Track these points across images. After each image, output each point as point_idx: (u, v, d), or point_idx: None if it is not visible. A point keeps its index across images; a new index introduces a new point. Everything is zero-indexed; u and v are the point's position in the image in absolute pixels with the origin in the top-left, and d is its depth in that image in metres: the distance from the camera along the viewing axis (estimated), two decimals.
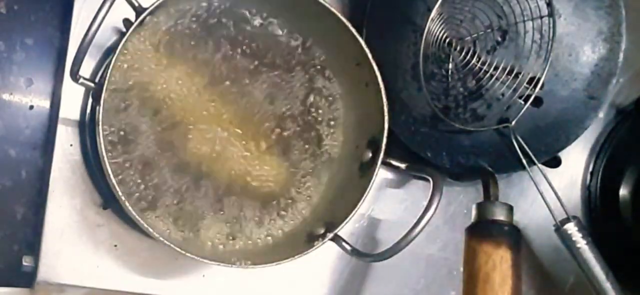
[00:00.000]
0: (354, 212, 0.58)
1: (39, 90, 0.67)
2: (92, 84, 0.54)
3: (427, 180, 0.59)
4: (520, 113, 0.64)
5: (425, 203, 0.57)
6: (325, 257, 0.68)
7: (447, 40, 0.64)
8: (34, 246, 0.64)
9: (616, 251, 0.66)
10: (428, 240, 0.71)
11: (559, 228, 0.64)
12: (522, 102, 0.65)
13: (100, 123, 0.54)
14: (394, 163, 0.64)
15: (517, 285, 0.63)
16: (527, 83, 0.64)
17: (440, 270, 0.72)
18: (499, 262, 0.62)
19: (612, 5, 0.66)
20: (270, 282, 0.67)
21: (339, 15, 0.59)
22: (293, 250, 0.58)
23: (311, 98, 0.64)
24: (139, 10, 0.54)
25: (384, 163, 0.61)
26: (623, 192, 0.72)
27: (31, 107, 0.67)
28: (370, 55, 0.59)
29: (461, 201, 0.72)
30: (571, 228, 0.63)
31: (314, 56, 0.63)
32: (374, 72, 0.59)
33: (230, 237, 0.61)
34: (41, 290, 0.62)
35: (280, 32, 0.63)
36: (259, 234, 0.61)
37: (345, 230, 0.59)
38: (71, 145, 0.62)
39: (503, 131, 0.66)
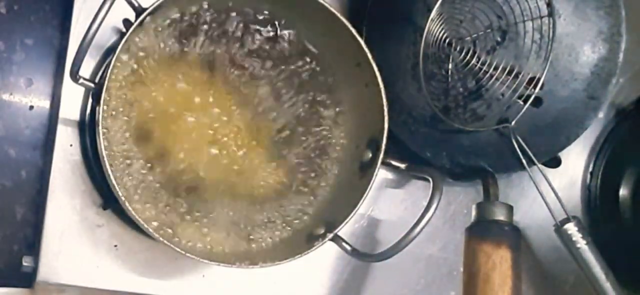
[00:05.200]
0: (354, 212, 0.58)
1: (39, 90, 0.67)
2: (92, 84, 0.54)
3: (427, 180, 0.59)
4: (520, 113, 0.64)
5: (425, 203, 0.57)
6: (325, 257, 0.68)
7: (447, 40, 0.64)
8: (34, 246, 0.64)
9: (616, 251, 0.66)
10: (428, 240, 0.71)
11: (559, 228, 0.64)
12: (522, 102, 0.65)
13: (100, 123, 0.54)
14: (394, 163, 0.64)
15: (517, 285, 0.63)
16: (527, 83, 0.64)
17: (440, 270, 0.72)
18: (499, 262, 0.62)
19: (612, 5, 0.66)
20: (270, 282, 0.67)
21: (339, 15, 0.59)
22: (293, 250, 0.58)
23: (311, 98, 0.64)
24: (139, 10, 0.54)
25: (384, 163, 0.60)
26: (623, 192, 0.72)
27: (31, 107, 0.67)
28: (370, 56, 0.59)
29: (461, 201, 0.72)
30: (571, 228, 0.63)
31: (314, 57, 0.63)
32: (374, 72, 0.59)
33: (231, 238, 0.61)
34: (41, 290, 0.62)
35: (280, 33, 0.63)
36: (259, 234, 0.61)
37: (345, 230, 0.59)
38: (71, 145, 0.62)
39: (503, 131, 0.66)
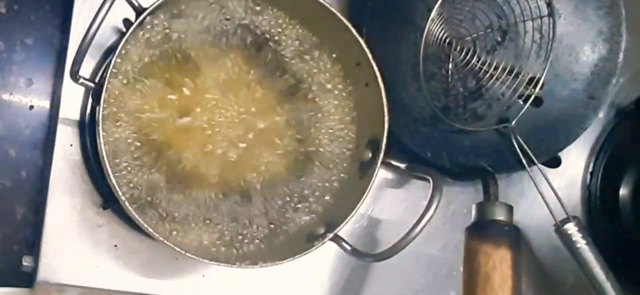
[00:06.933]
0: (354, 212, 0.58)
1: (39, 90, 0.67)
2: (92, 84, 0.54)
3: (427, 180, 0.59)
4: (520, 113, 0.64)
5: (425, 203, 0.57)
6: (325, 257, 0.68)
7: (447, 40, 0.64)
8: (34, 246, 0.64)
9: (616, 251, 0.66)
10: (428, 240, 0.71)
11: (559, 228, 0.64)
12: (522, 102, 0.65)
13: (100, 123, 0.54)
14: (394, 163, 0.64)
15: (517, 285, 0.63)
16: (527, 83, 0.64)
17: (440, 270, 0.72)
18: (499, 262, 0.62)
19: (612, 5, 0.65)
20: (270, 282, 0.67)
21: (339, 15, 0.59)
22: (293, 250, 0.58)
23: (311, 98, 0.64)
24: (139, 10, 0.54)
25: (384, 163, 0.60)
26: (623, 192, 0.72)
27: (31, 107, 0.67)
28: (370, 55, 0.59)
29: (461, 201, 0.72)
30: (571, 228, 0.63)
31: (314, 56, 0.63)
32: (374, 72, 0.59)
33: (230, 238, 0.61)
34: (41, 290, 0.62)
35: (279, 33, 0.63)
36: (258, 234, 0.61)
37: (345, 230, 0.59)
38: (71, 145, 0.62)
39: (503, 131, 0.66)
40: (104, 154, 0.53)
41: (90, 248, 0.62)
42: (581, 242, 0.63)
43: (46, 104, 0.67)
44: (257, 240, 0.61)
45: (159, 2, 0.55)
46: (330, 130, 0.64)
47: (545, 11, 0.63)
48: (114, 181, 0.53)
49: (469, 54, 0.65)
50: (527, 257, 0.71)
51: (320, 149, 0.64)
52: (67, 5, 0.63)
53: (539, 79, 0.64)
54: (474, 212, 0.66)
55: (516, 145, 0.65)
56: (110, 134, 0.57)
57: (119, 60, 0.57)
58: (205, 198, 0.60)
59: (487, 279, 0.62)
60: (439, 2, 0.62)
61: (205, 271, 0.65)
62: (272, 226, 0.62)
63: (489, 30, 0.65)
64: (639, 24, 0.70)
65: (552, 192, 0.64)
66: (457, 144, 0.67)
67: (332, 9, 0.59)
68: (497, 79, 0.65)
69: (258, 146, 0.62)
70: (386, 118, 0.60)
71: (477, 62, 0.65)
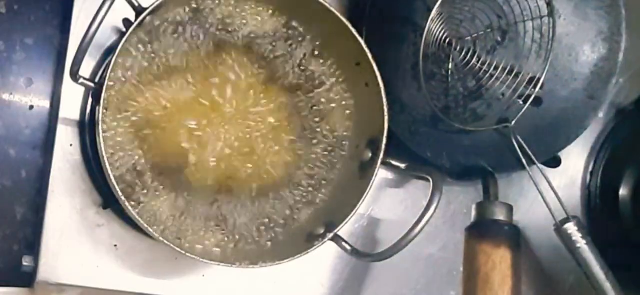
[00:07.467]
0: (354, 212, 0.58)
1: (39, 90, 0.67)
2: (92, 84, 0.54)
3: (427, 180, 0.59)
4: (520, 113, 0.64)
5: (425, 203, 0.57)
6: (325, 257, 0.68)
7: (447, 40, 0.64)
8: (34, 246, 0.64)
9: (616, 251, 0.66)
10: (428, 240, 0.71)
11: (559, 228, 0.64)
12: (522, 102, 0.65)
13: (100, 123, 0.54)
14: (394, 163, 0.64)
15: (517, 285, 0.63)
16: (527, 83, 0.64)
17: (440, 270, 0.72)
18: (498, 262, 0.62)
19: (612, 5, 0.65)
20: (270, 282, 0.67)
21: (339, 15, 0.59)
22: (293, 250, 0.58)
23: (310, 98, 0.64)
24: (139, 10, 0.54)
25: (384, 163, 0.60)
26: (623, 192, 0.72)
27: (31, 107, 0.67)
28: (370, 55, 0.59)
29: (461, 201, 0.72)
30: (571, 228, 0.63)
31: (314, 57, 0.63)
32: (374, 72, 0.59)
33: (230, 238, 0.61)
34: (41, 290, 0.62)
35: (279, 33, 0.63)
36: (258, 234, 0.61)
37: (345, 230, 0.59)
38: (71, 145, 0.62)
39: (503, 131, 0.66)
40: (104, 154, 0.53)
41: (90, 248, 0.62)
42: (581, 242, 0.63)
43: (46, 104, 0.68)
44: (257, 240, 0.61)
45: (159, 2, 0.55)
46: (330, 131, 0.64)
47: (545, 11, 0.63)
48: (114, 181, 0.53)
49: (469, 54, 0.65)
50: (527, 257, 0.71)
51: (320, 149, 0.64)
52: (67, 5, 0.63)
53: (539, 79, 0.64)
54: (474, 212, 0.66)
55: (516, 145, 0.65)
56: (109, 130, 0.58)
57: (119, 60, 0.58)
58: (206, 199, 0.61)
59: (487, 279, 0.62)
60: (439, 2, 0.62)
61: (205, 271, 0.65)
62: (272, 226, 0.62)
63: (489, 30, 0.65)
64: (639, 24, 0.70)
65: (552, 192, 0.64)
66: (457, 144, 0.67)
67: (332, 9, 0.59)
68: (497, 79, 0.65)
69: (258, 147, 0.62)
70: (386, 118, 0.60)
71: (477, 62, 0.65)
